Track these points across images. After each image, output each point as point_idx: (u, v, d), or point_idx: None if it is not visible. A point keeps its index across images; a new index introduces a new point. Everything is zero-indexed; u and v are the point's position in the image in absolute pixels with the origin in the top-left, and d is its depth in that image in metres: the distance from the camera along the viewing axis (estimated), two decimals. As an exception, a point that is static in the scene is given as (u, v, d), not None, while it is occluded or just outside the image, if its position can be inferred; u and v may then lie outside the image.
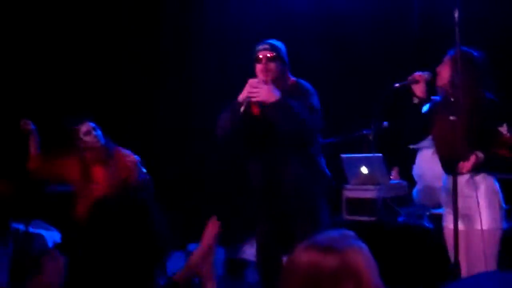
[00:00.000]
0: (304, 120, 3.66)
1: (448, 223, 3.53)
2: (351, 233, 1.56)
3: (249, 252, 6.50)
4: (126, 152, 4.55)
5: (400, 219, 4.55)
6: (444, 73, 3.51)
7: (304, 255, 1.49)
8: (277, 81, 3.77)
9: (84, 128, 4.38)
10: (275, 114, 3.63)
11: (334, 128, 5.30)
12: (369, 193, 4.62)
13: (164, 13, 6.66)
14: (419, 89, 3.60)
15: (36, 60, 6.16)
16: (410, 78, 3.63)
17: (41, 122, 4.73)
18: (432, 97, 3.65)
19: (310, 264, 1.47)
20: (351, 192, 4.74)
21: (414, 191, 4.75)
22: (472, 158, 3.30)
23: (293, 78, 3.96)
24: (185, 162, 6.49)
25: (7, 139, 5.76)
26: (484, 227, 3.35)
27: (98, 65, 6.33)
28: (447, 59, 3.52)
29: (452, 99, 3.43)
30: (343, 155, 4.75)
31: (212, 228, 2.26)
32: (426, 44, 5.50)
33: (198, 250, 2.29)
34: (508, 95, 3.63)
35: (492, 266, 3.40)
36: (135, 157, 4.51)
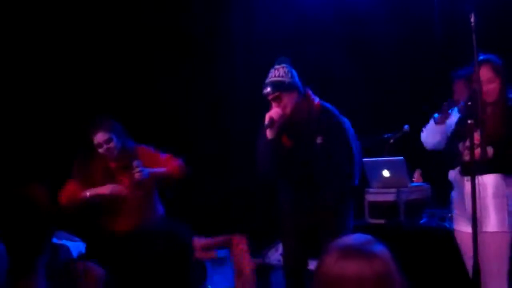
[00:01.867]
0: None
1: (460, 226, 3.58)
2: (371, 237, 1.57)
3: (274, 257, 6.52)
4: (151, 150, 4.41)
5: (422, 221, 4.54)
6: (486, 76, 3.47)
7: (346, 262, 1.49)
8: (298, 108, 3.83)
9: (97, 139, 4.20)
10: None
11: (356, 132, 5.30)
12: (391, 196, 4.62)
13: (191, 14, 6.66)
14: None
15: (65, 60, 6.13)
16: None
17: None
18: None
19: (357, 271, 1.47)
20: (373, 196, 4.74)
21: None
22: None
23: (317, 101, 3.95)
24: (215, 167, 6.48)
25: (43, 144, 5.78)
26: (493, 230, 3.36)
27: (125, 67, 6.32)
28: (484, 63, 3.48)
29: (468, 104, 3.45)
30: (365, 159, 4.74)
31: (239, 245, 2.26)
32: (447, 46, 5.49)
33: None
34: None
35: (503, 269, 3.39)
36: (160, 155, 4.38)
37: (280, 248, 6.53)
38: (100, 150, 4.20)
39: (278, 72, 3.89)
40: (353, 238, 1.56)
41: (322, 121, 3.84)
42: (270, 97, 3.86)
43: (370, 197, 4.75)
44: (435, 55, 5.62)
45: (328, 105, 3.96)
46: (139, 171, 4.16)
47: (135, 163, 4.20)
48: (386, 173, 4.70)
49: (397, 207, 4.55)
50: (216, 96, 6.63)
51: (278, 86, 3.84)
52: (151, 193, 4.39)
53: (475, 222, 3.11)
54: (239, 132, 6.17)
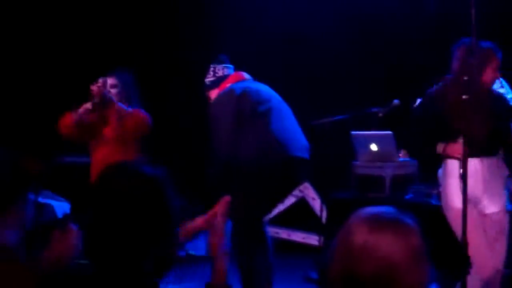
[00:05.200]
0: None
1: (455, 203, 3.60)
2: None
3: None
4: (143, 114, 4.54)
5: (408, 196, 4.55)
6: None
7: (381, 233, 1.46)
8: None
9: (104, 80, 4.38)
10: None
11: (344, 105, 5.29)
12: (378, 170, 4.62)
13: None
14: None
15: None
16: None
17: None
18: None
19: (392, 242, 1.45)
20: (360, 169, 4.74)
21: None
22: None
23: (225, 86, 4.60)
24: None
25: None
26: (496, 210, 3.44)
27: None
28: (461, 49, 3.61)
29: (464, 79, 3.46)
30: (353, 132, 4.74)
31: (221, 206, 2.25)
32: (441, 20, 5.46)
33: (201, 218, 2.28)
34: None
35: (502, 247, 3.48)
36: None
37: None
38: (100, 90, 4.35)
39: (209, 72, 4.70)
40: (382, 209, 1.53)
41: None
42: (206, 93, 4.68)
43: (357, 170, 4.75)
44: (429, 29, 5.60)
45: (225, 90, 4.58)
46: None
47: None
48: (374, 147, 4.70)
49: (384, 182, 4.56)
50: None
51: (205, 87, 4.68)
52: (129, 149, 4.47)
53: (465, 200, 3.15)
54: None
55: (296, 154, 4.71)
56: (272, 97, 4.81)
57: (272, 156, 4.56)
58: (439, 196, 4.32)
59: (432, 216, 4.23)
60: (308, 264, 5.61)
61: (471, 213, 3.60)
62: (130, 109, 4.51)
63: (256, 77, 6.46)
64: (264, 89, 4.82)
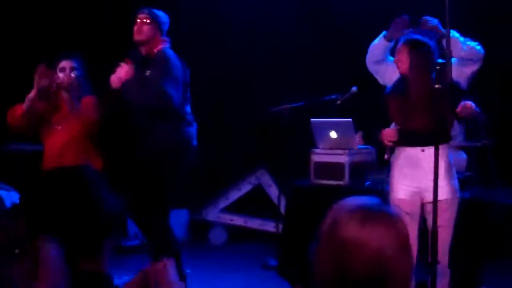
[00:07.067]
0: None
1: (398, 194, 3.70)
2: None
3: (212, 214, 6.50)
4: (93, 101, 4.46)
5: (367, 183, 4.57)
6: (404, 61, 3.62)
7: (373, 226, 1.43)
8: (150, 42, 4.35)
9: (63, 63, 4.42)
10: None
11: (303, 92, 5.28)
12: (338, 157, 4.62)
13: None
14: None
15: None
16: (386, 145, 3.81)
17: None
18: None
19: (383, 235, 1.42)
20: (319, 156, 4.73)
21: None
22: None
23: (162, 46, 4.37)
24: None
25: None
26: (446, 197, 3.50)
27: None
28: (402, 48, 3.65)
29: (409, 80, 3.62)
30: (313, 119, 4.73)
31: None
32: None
33: None
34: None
35: (449, 233, 3.56)
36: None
37: (219, 204, 6.53)
38: (61, 75, 4.38)
39: (160, 12, 4.45)
40: (368, 200, 1.50)
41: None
42: (141, 16, 4.36)
43: (316, 158, 4.74)
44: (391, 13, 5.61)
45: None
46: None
47: None
48: (333, 134, 4.69)
49: (344, 169, 4.57)
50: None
51: (153, 15, 4.39)
52: (80, 138, 4.40)
53: (436, 190, 3.18)
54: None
55: None
56: None
57: None
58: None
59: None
60: (266, 251, 5.60)
61: (415, 202, 3.66)
62: (81, 95, 4.47)
63: (215, 61, 6.39)
64: None
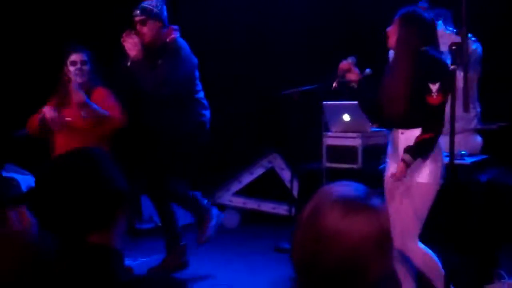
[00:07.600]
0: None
1: (387, 171, 3.71)
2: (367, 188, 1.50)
3: (225, 197, 6.52)
4: (107, 94, 4.48)
5: (381, 166, 4.56)
6: (393, 34, 3.56)
7: (354, 217, 1.40)
8: (156, 39, 4.34)
9: (74, 57, 4.42)
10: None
11: (315, 75, 5.25)
12: (351, 140, 4.62)
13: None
14: (353, 76, 3.74)
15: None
16: (340, 73, 3.74)
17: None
18: None
19: (364, 226, 1.39)
20: (332, 140, 4.73)
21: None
22: (400, 166, 3.46)
23: (173, 35, 4.37)
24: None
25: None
26: (424, 181, 3.45)
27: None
28: (396, 20, 3.57)
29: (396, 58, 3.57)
30: (325, 102, 4.72)
31: None
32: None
33: None
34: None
35: (422, 218, 3.52)
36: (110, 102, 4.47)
37: (232, 188, 6.54)
38: (72, 69, 4.39)
39: (152, 2, 4.34)
40: (353, 190, 1.46)
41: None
42: (137, 19, 4.33)
43: (328, 141, 4.74)
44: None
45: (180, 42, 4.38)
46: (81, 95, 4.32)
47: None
48: (346, 117, 4.69)
49: (356, 152, 4.56)
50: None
51: (146, 11, 4.30)
52: (90, 136, 4.40)
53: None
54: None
55: None
56: None
57: None
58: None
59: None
60: (278, 234, 5.61)
61: (397, 184, 3.59)
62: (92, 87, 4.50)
63: (225, 46, 6.37)
64: None
